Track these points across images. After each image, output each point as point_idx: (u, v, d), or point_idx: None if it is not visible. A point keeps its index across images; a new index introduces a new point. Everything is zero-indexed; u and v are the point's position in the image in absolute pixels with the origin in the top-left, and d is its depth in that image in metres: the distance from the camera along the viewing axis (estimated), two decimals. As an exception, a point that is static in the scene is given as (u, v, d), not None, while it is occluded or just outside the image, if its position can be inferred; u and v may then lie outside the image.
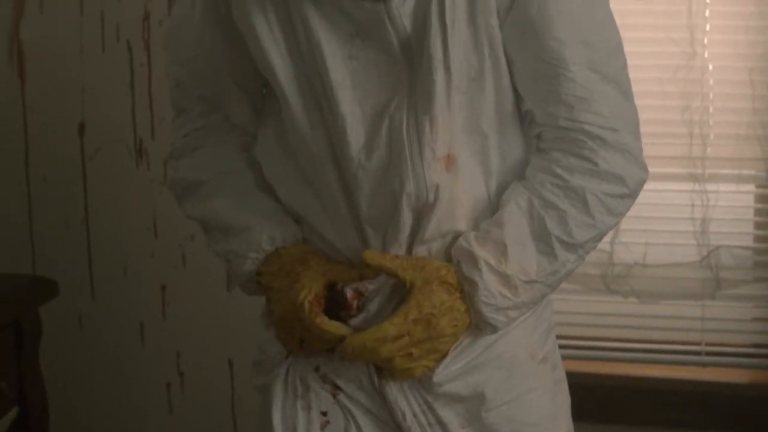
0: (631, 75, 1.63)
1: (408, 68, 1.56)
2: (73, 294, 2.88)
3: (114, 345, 2.97)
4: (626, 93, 1.61)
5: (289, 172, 1.67)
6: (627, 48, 1.64)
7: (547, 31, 1.56)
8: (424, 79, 1.54)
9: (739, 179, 2.78)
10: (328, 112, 1.58)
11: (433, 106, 1.54)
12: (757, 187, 2.80)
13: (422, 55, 1.54)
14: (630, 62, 1.63)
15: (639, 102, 1.63)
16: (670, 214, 2.77)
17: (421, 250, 1.60)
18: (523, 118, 1.63)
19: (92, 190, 2.89)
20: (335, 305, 1.61)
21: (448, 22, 1.52)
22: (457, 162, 1.57)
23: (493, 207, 1.61)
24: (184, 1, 1.72)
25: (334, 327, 1.59)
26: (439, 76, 1.53)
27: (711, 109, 2.74)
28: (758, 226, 2.81)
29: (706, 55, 2.72)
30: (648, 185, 1.64)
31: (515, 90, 1.61)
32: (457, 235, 1.60)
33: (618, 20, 1.63)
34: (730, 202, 2.78)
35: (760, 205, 2.81)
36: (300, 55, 1.58)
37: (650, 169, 1.62)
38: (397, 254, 1.59)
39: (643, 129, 1.63)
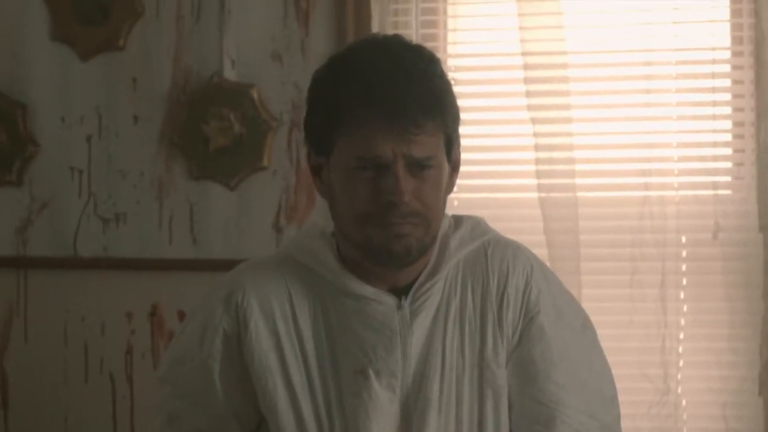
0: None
1: (404, 409, 1.60)
2: None
3: None
4: None
5: None
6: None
7: (547, 375, 1.60)
8: (418, 420, 1.58)
9: None
10: None
11: None
12: None
13: (418, 396, 1.58)
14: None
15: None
16: None
17: None
18: None
19: None
20: None
21: (447, 367, 1.57)
22: None
23: None
24: (188, 335, 1.73)
25: None
26: (432, 418, 1.57)
27: (685, 444, 2.78)
28: None
29: (679, 391, 2.76)
30: None
31: None
32: None
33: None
34: None
35: None
36: (313, 395, 1.62)
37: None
38: None
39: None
